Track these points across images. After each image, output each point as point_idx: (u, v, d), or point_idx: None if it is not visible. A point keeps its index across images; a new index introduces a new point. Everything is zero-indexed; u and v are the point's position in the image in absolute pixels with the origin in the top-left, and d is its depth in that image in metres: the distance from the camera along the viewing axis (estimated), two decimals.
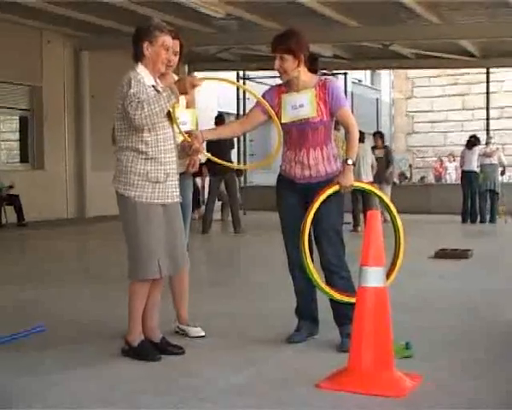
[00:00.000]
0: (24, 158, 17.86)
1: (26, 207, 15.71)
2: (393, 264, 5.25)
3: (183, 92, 4.80)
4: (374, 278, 4.19)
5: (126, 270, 4.85)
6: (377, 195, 5.41)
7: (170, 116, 4.87)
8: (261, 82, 21.69)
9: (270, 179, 23.07)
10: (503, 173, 17.95)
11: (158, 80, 4.92)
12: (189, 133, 5.08)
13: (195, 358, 4.81)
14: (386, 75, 33.76)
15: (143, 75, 4.78)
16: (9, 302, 7.06)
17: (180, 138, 5.06)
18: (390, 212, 5.28)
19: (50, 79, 17.72)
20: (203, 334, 5.34)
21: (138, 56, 4.84)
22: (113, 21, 16.86)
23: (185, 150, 5.10)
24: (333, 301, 5.22)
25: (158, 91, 4.78)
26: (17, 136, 18.18)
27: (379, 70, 31.53)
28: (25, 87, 17.50)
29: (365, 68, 28.14)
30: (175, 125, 4.93)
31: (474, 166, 17.19)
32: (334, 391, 4.08)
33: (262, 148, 21.57)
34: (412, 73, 31.98)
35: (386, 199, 5.35)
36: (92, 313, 6.47)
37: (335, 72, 21.01)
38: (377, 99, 32.48)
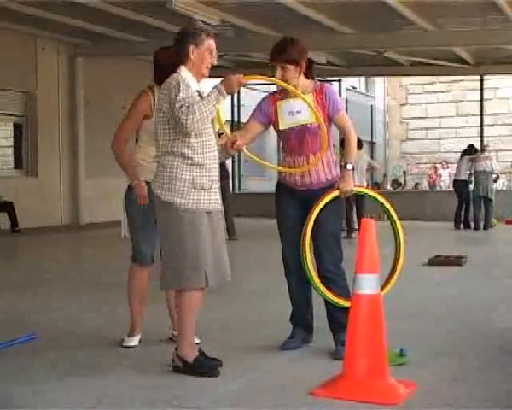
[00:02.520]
0: (18, 164, 17.83)
1: (19, 214, 15.68)
2: (393, 270, 5.24)
3: (230, 91, 4.64)
4: (368, 285, 4.18)
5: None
6: (378, 200, 5.36)
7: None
8: (256, 88, 21.76)
9: (264, 186, 23.05)
10: (495, 180, 18.01)
11: (200, 85, 4.76)
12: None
13: None
14: (380, 82, 33.82)
15: (188, 79, 4.63)
16: (5, 309, 7.03)
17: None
18: (391, 218, 5.26)
19: (45, 85, 17.72)
20: (198, 341, 5.32)
21: (182, 59, 4.69)
22: (107, 28, 16.88)
23: (227, 148, 4.91)
24: (328, 309, 5.22)
25: (201, 97, 4.64)
26: (11, 142, 18.15)
27: (373, 77, 31.56)
28: (19, 93, 17.50)
29: (359, 75, 28.19)
30: (218, 123, 4.81)
31: (463, 174, 17.36)
32: (329, 398, 4.07)
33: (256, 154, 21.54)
34: (406, 80, 32.05)
35: (388, 205, 5.32)
36: (89, 321, 6.45)
37: (329, 79, 21.05)
38: (371, 106, 32.56)
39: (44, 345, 5.44)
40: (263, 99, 5.29)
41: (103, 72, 19.04)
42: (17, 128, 17.88)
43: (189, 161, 4.59)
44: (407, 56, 20.32)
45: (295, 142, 5.16)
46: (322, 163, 5.18)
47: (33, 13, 15.12)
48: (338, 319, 5.08)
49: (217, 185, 4.76)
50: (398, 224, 5.26)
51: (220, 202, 4.80)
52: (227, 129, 4.99)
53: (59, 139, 18.20)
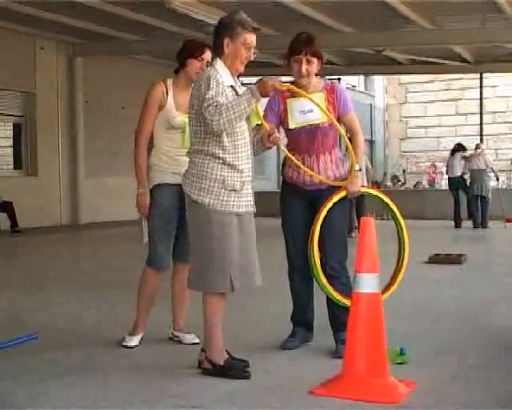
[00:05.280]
0: (17, 164, 17.82)
1: (19, 214, 15.67)
2: (395, 276, 5.18)
3: (264, 95, 4.44)
4: (368, 284, 4.18)
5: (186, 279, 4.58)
6: (384, 201, 5.26)
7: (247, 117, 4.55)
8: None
9: (264, 185, 22.85)
10: (497, 179, 17.98)
11: (235, 79, 4.63)
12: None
13: (189, 365, 4.77)
14: (379, 81, 33.82)
15: (222, 73, 4.47)
16: (5, 308, 7.03)
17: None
18: (396, 219, 5.18)
19: (44, 85, 17.71)
20: (197, 341, 5.31)
21: (218, 52, 4.55)
22: (106, 27, 16.87)
23: (264, 141, 4.71)
24: (330, 307, 5.19)
25: (236, 92, 4.51)
26: (11, 142, 18.14)
27: (372, 75, 31.56)
28: (18, 93, 17.49)
29: (358, 74, 28.18)
30: (257, 117, 4.63)
31: (457, 171, 17.34)
32: (329, 397, 4.07)
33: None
34: (405, 78, 32.06)
35: (393, 205, 5.25)
36: (88, 319, 6.45)
37: (329, 77, 21.04)
38: (371, 105, 32.56)
39: (44, 344, 5.44)
40: (272, 98, 5.14)
41: (102, 71, 19.04)
42: (16, 128, 17.87)
43: (221, 161, 4.46)
44: (406, 55, 20.32)
45: (306, 141, 5.09)
46: (331, 161, 5.14)
47: (32, 12, 15.11)
48: (341, 318, 5.01)
49: (249, 186, 4.60)
50: (404, 227, 5.16)
51: (252, 203, 4.66)
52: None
53: (58, 139, 18.20)
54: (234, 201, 4.51)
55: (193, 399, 4.11)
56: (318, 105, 4.91)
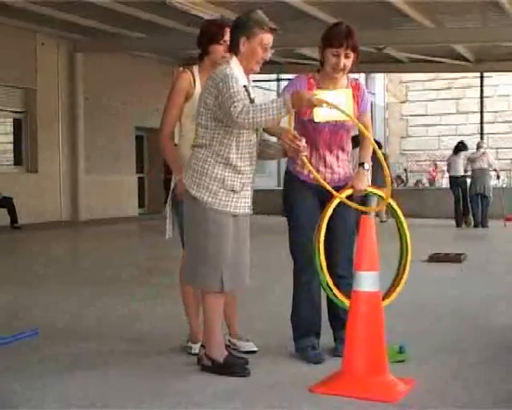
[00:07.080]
0: (18, 160, 17.82)
1: (19, 210, 15.68)
2: (395, 283, 5.10)
3: (297, 107, 4.36)
4: (367, 282, 4.18)
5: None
6: (388, 203, 5.00)
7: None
8: (262, 86, 21.77)
9: (264, 182, 22.78)
10: (498, 177, 17.97)
11: (249, 79, 4.57)
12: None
13: (187, 362, 4.78)
14: (380, 79, 33.77)
15: (237, 72, 4.41)
16: (4, 305, 7.03)
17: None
18: (398, 219, 5.03)
19: (44, 81, 17.70)
20: (256, 349, 5.08)
21: (234, 50, 4.49)
22: (107, 24, 16.87)
23: (286, 148, 4.58)
24: (331, 306, 5.10)
25: (248, 93, 4.44)
26: (11, 138, 18.14)
27: (373, 74, 31.53)
28: (19, 89, 17.47)
29: (359, 72, 28.13)
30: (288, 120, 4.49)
31: (460, 170, 17.30)
32: (328, 395, 4.07)
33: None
34: (406, 77, 32.03)
35: (395, 206, 5.06)
36: (88, 316, 6.45)
37: None
38: (371, 103, 32.45)
39: (44, 341, 5.43)
40: (297, 79, 4.95)
41: (103, 67, 19.04)
42: (17, 124, 17.86)
43: (223, 160, 4.42)
44: (407, 53, 20.31)
45: (328, 136, 4.92)
46: (347, 158, 5.03)
47: (33, 8, 15.11)
48: (340, 317, 4.93)
49: (248, 188, 4.55)
50: (405, 225, 5.01)
51: (250, 205, 4.60)
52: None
53: (59, 135, 18.20)
54: (232, 201, 4.48)
55: (193, 396, 4.10)
56: (345, 112, 4.53)
